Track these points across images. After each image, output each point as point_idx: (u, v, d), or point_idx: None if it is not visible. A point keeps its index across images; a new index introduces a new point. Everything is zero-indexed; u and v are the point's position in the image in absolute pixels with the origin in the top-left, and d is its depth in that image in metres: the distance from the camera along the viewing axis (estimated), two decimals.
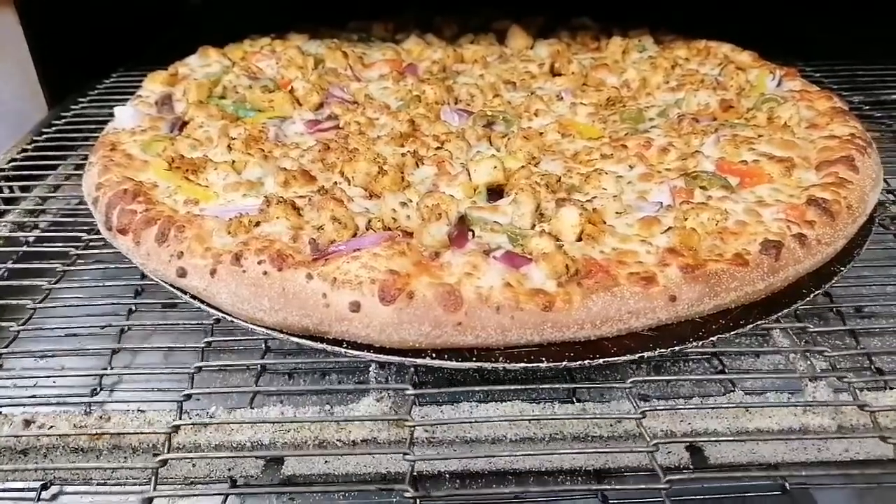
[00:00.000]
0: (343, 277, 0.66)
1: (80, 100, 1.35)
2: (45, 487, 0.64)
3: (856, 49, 1.54)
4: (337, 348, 0.67)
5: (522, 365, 0.65)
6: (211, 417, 0.68)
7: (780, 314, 0.72)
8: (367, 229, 0.75)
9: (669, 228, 0.74)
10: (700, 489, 0.64)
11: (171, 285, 0.74)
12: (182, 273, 0.71)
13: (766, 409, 0.69)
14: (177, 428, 0.65)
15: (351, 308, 0.65)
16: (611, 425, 0.67)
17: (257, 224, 0.75)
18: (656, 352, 0.67)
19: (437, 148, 0.94)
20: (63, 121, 1.27)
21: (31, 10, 1.28)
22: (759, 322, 0.71)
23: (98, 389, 0.74)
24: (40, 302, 0.79)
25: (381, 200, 0.79)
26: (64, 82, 1.39)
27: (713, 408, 0.69)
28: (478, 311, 0.64)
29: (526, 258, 0.69)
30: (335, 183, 0.83)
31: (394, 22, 1.44)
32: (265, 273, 0.68)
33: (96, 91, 1.40)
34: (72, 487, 0.65)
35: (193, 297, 0.73)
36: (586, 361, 0.66)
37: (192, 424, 0.67)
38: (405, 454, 0.59)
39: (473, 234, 0.73)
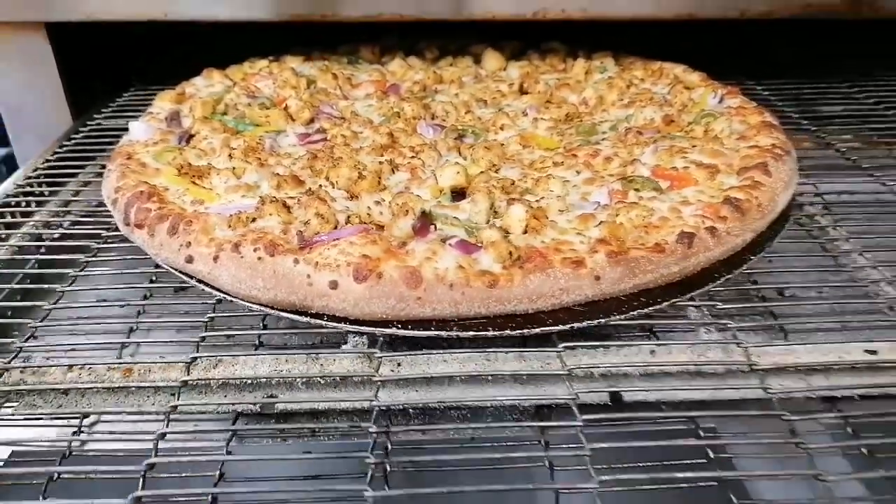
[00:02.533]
0: (324, 261, 0.80)
1: (99, 114, 1.51)
2: (85, 416, 0.77)
3: (801, 67, 1.69)
4: (319, 321, 0.80)
5: (472, 333, 0.78)
6: (219, 360, 0.81)
7: (693, 294, 0.86)
8: (347, 223, 0.88)
9: (602, 222, 0.88)
10: (620, 434, 0.76)
11: (180, 271, 0.87)
12: (189, 260, 0.85)
13: (670, 353, 0.82)
14: (195, 359, 0.80)
15: (330, 286, 0.78)
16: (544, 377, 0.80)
17: (253, 220, 0.89)
18: (584, 322, 0.80)
19: (412, 157, 1.08)
20: (83, 133, 1.42)
21: (59, 33, 1.44)
22: (674, 300, 0.84)
23: (121, 354, 0.87)
24: (68, 286, 0.92)
25: (359, 200, 0.93)
26: (87, 97, 1.55)
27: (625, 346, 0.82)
28: (434, 288, 0.77)
29: (477, 246, 0.82)
30: (320, 186, 0.97)
31: (380, 45, 1.59)
32: (259, 258, 0.82)
33: (113, 106, 1.55)
34: (107, 417, 0.78)
35: (199, 280, 0.86)
36: (525, 330, 0.79)
37: (207, 356, 0.81)
38: (371, 400, 0.73)
39: (436, 228, 0.87)
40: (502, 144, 1.12)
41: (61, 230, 1.11)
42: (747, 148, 1.07)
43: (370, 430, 0.69)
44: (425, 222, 0.85)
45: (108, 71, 1.66)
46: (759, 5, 1.46)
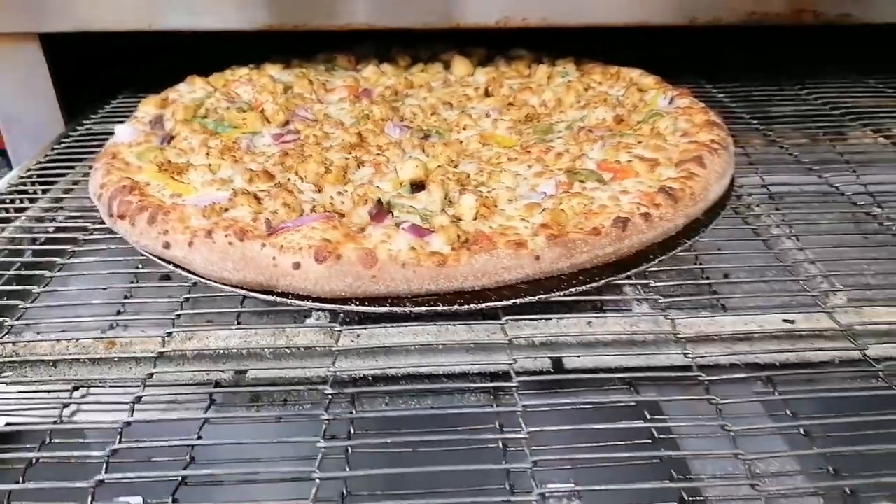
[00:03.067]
0: (288, 245, 0.88)
1: (89, 119, 1.60)
2: (76, 389, 0.85)
3: (754, 71, 1.78)
4: (284, 299, 0.88)
5: (424, 308, 0.86)
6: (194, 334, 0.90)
7: (629, 273, 0.94)
8: (312, 212, 0.96)
9: (545, 209, 0.96)
10: (553, 394, 0.85)
11: (159, 257, 0.95)
12: (167, 246, 0.93)
13: (605, 324, 0.90)
14: (170, 334, 0.88)
15: (293, 266, 0.86)
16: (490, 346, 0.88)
17: (226, 210, 0.97)
18: (526, 298, 0.88)
19: (378, 154, 1.16)
20: (73, 137, 1.51)
21: (52, 44, 1.53)
22: (611, 279, 0.92)
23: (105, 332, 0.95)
24: (56, 272, 1.00)
25: (324, 191, 1.01)
26: (78, 104, 1.64)
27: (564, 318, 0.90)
28: (388, 267, 0.85)
29: (429, 230, 0.90)
30: (289, 179, 1.05)
31: (356, 54, 1.68)
32: (230, 243, 0.89)
33: (102, 112, 1.64)
34: (95, 389, 0.85)
35: (176, 265, 0.94)
36: (472, 306, 0.87)
37: (183, 331, 0.89)
38: (329, 367, 0.81)
39: (393, 215, 0.95)
40: (461, 142, 1.21)
41: (54, 224, 1.19)
42: (687, 143, 1.16)
43: (326, 391, 0.77)
44: (381, 209, 0.93)
45: (98, 79, 1.74)
46: (707, 13, 1.57)
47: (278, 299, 0.88)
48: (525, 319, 0.90)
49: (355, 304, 0.87)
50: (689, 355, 0.83)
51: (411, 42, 1.75)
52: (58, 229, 1.15)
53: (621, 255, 0.94)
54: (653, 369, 0.85)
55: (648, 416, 0.83)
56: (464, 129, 1.29)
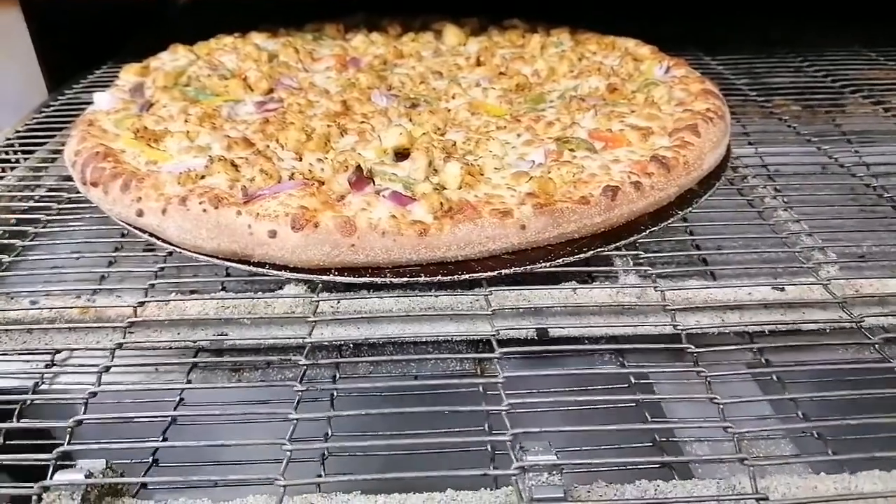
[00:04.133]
0: (264, 212, 0.85)
1: (71, 89, 1.56)
2: (58, 352, 0.83)
3: (755, 43, 1.74)
4: (260, 269, 0.85)
5: (405, 279, 0.84)
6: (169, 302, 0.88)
7: (619, 244, 0.91)
8: (290, 179, 0.93)
9: (532, 178, 0.93)
10: (535, 364, 0.82)
11: (132, 225, 0.92)
12: (140, 213, 0.90)
13: (591, 293, 0.88)
14: (142, 303, 0.86)
15: (269, 235, 0.83)
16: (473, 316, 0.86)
17: (202, 177, 0.93)
18: (511, 269, 0.85)
19: (362, 122, 1.13)
20: (55, 105, 1.47)
21: (34, 8, 1.48)
22: (599, 249, 0.89)
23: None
24: (28, 241, 0.98)
25: (304, 159, 0.98)
26: (62, 73, 1.60)
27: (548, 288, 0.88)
28: (368, 236, 0.82)
29: (411, 198, 0.87)
30: (268, 146, 1.02)
31: (344, 23, 1.63)
32: (204, 210, 0.86)
33: (86, 81, 1.60)
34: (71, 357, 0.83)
35: (150, 234, 0.91)
36: (455, 277, 0.84)
37: (156, 300, 0.87)
38: (304, 338, 0.78)
39: (374, 183, 0.92)
40: (449, 111, 1.17)
41: (30, 193, 1.15)
42: (682, 112, 1.12)
43: (300, 362, 0.74)
44: (362, 176, 0.90)
45: (83, 48, 1.70)
46: None
47: (254, 269, 0.86)
48: (509, 289, 0.87)
49: (334, 274, 0.84)
50: (679, 326, 0.81)
51: (402, 11, 1.71)
52: (33, 199, 1.12)
53: (611, 224, 0.91)
54: (640, 339, 0.83)
55: (634, 383, 0.80)
56: (453, 97, 1.25)
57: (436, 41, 1.57)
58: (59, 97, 1.52)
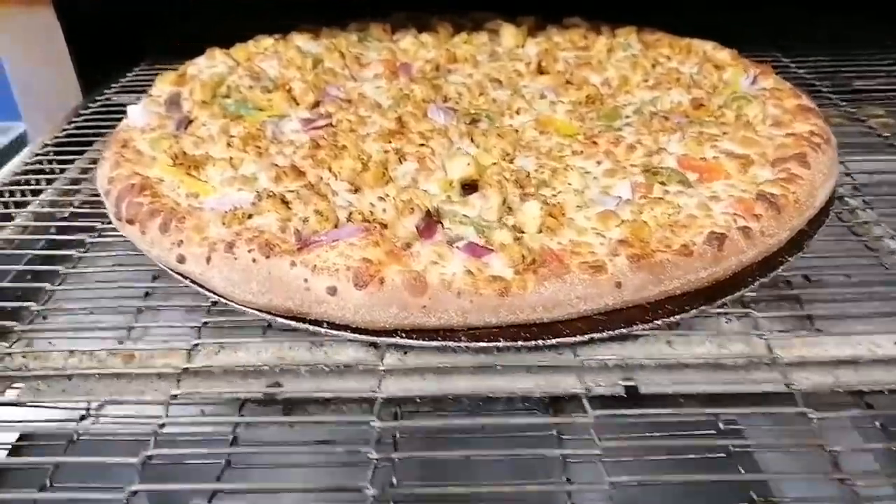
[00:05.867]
0: (322, 265, 0.74)
1: (109, 89, 1.47)
2: (83, 418, 0.75)
3: (836, 41, 1.58)
4: (318, 328, 0.75)
5: (482, 344, 0.73)
6: (221, 347, 0.79)
7: (724, 300, 0.79)
8: (348, 221, 0.83)
9: (623, 221, 0.81)
10: (634, 428, 0.72)
11: (173, 270, 0.82)
12: (181, 259, 0.80)
13: (689, 346, 0.78)
14: (196, 345, 0.78)
15: (328, 291, 0.73)
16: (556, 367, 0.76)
17: (250, 216, 0.83)
18: (605, 333, 0.74)
19: (421, 145, 1.01)
20: (92, 109, 1.39)
21: (68, 8, 1.40)
22: (703, 307, 0.78)
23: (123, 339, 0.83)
24: (71, 267, 0.92)
25: (362, 194, 0.87)
26: (96, 73, 1.52)
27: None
28: (441, 296, 0.72)
29: (487, 249, 0.76)
30: (322, 179, 0.91)
31: (391, 22, 1.51)
32: (254, 260, 0.76)
33: (122, 82, 1.51)
34: (111, 407, 0.76)
35: (192, 281, 0.81)
36: (539, 341, 0.73)
37: (210, 343, 0.79)
38: (375, 391, 0.71)
39: (443, 226, 0.81)
40: (517, 131, 1.05)
41: (67, 210, 1.07)
42: (783, 136, 0.99)
43: (372, 422, 0.65)
44: (431, 222, 0.79)
45: (117, 47, 1.61)
46: None
47: (311, 327, 0.75)
48: (595, 338, 0.76)
49: (400, 337, 0.73)
50: (794, 385, 0.70)
51: (449, 9, 1.58)
52: (71, 218, 1.04)
53: (716, 279, 0.79)
54: (744, 396, 0.72)
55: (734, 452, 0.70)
56: (517, 112, 1.13)
57: (491, 43, 1.44)
58: (96, 99, 1.43)
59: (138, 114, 1.11)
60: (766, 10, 1.61)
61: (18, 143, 1.95)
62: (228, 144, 0.98)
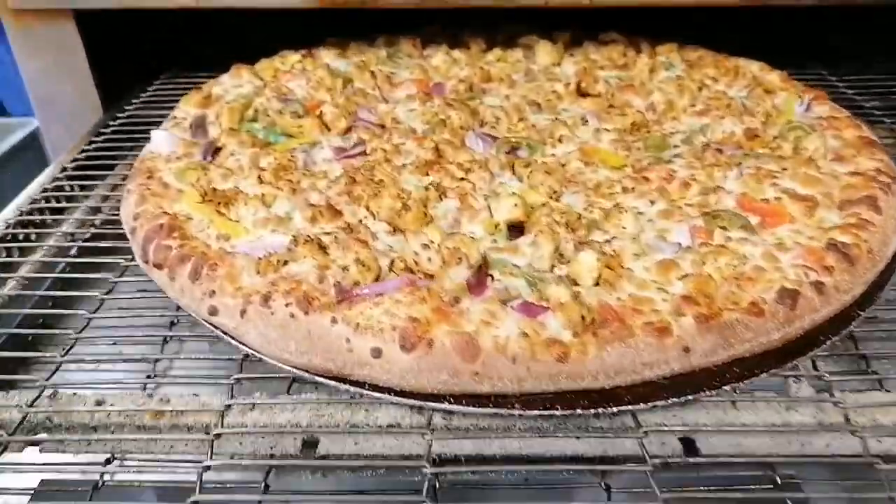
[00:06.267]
0: (366, 323, 0.69)
1: (130, 105, 1.43)
2: (108, 461, 0.72)
3: (883, 56, 1.51)
4: (359, 389, 0.70)
5: (537, 412, 0.67)
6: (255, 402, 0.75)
7: (795, 362, 0.73)
8: (390, 270, 0.77)
9: (686, 275, 0.76)
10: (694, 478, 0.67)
11: (205, 321, 0.78)
12: (213, 311, 0.75)
13: (755, 410, 0.72)
14: (229, 406, 0.73)
15: (373, 354, 0.68)
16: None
17: (285, 263, 0.78)
18: (669, 401, 0.69)
19: (461, 179, 0.96)
20: (113, 127, 1.34)
21: (88, 20, 1.36)
22: (773, 370, 0.72)
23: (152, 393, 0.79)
24: (94, 311, 0.87)
25: (404, 240, 0.82)
26: (117, 85, 1.47)
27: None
28: (494, 362, 0.66)
29: (542, 307, 0.71)
30: (360, 220, 0.86)
31: (421, 37, 1.45)
32: (292, 315, 0.71)
33: (144, 97, 1.46)
34: (134, 461, 0.72)
35: (224, 332, 0.76)
36: (600, 409, 0.68)
37: (241, 405, 0.73)
38: (423, 434, 0.68)
39: (492, 279, 0.75)
40: (563, 165, 0.99)
41: (90, 243, 1.02)
42: (848, 174, 0.93)
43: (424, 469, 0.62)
44: (481, 277, 0.74)
45: (138, 58, 1.56)
46: None
47: (352, 388, 0.70)
48: (658, 405, 0.70)
49: (449, 403, 0.68)
50: (874, 452, 0.64)
51: (480, 23, 1.52)
52: (94, 252, 0.99)
53: (787, 339, 0.73)
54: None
55: None
56: (559, 141, 1.08)
57: (526, 60, 1.38)
58: (118, 115, 1.39)
59: (163, 140, 1.06)
60: (809, 25, 1.54)
61: (31, 140, 1.92)
62: (260, 179, 0.93)
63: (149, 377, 0.83)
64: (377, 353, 0.68)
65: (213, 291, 0.76)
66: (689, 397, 0.69)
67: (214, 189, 0.90)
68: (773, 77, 1.26)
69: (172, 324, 0.89)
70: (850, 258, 0.78)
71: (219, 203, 0.89)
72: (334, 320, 0.70)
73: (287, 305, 0.72)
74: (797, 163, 0.97)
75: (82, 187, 1.18)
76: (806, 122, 1.08)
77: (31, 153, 1.89)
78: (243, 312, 0.73)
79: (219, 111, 1.13)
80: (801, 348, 0.74)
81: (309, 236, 0.80)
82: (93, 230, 1.06)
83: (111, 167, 1.22)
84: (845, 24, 1.56)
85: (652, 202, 0.90)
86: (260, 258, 0.78)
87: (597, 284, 0.75)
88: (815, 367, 0.76)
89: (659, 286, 0.75)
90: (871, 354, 0.81)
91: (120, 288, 0.91)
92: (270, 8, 1.32)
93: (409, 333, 0.67)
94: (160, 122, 1.18)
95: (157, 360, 0.84)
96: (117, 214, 0.97)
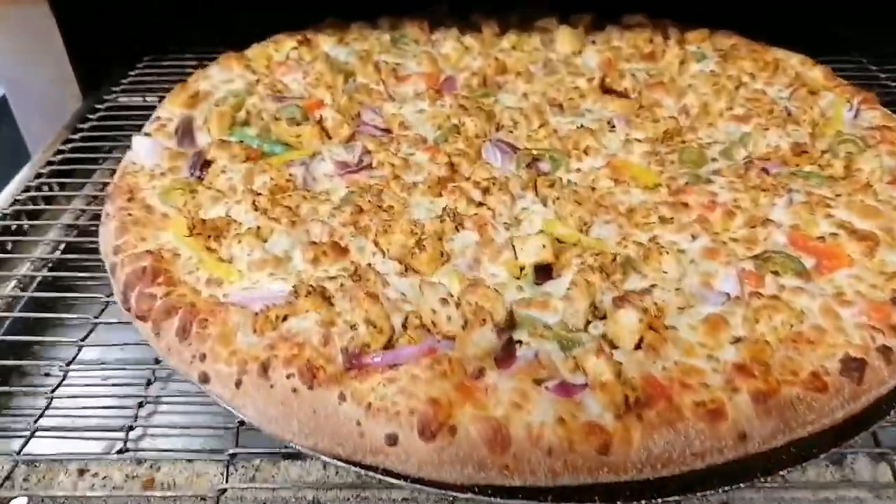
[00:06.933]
0: (379, 403, 0.61)
1: (110, 94, 1.32)
2: None
3: None
4: (371, 473, 0.62)
5: None
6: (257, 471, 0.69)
7: (857, 438, 0.66)
8: (404, 329, 0.68)
9: (738, 340, 0.67)
10: None
11: (196, 385, 0.69)
12: (205, 379, 0.66)
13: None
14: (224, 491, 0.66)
15: (387, 441, 0.60)
16: None
17: (285, 318, 0.69)
18: (719, 490, 0.61)
19: (479, 204, 0.86)
20: (97, 116, 1.24)
21: (63, 2, 1.24)
22: (833, 450, 0.64)
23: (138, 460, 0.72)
24: (67, 364, 0.79)
25: (418, 286, 0.73)
26: (97, 69, 1.36)
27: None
28: (527, 454, 0.58)
29: (580, 386, 0.62)
30: (368, 262, 0.76)
31: (428, 19, 1.32)
32: (294, 390, 0.63)
33: (125, 83, 1.35)
34: None
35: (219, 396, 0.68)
36: (643, 502, 0.60)
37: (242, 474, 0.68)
38: None
39: (521, 344, 0.67)
40: (592, 186, 0.89)
41: (65, 272, 0.93)
42: None
43: None
44: (509, 349, 0.65)
45: (119, 40, 1.43)
46: None
47: (363, 472, 0.62)
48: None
49: (474, 493, 0.60)
50: None
51: (494, 2, 1.38)
52: (70, 288, 0.91)
53: (850, 414, 0.65)
54: None
55: None
56: (585, 153, 0.97)
57: (544, 48, 1.26)
58: (101, 102, 1.28)
59: (145, 148, 0.96)
60: (850, 12, 1.41)
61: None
62: (255, 204, 0.83)
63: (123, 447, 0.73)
64: (392, 440, 0.59)
65: (204, 355, 0.67)
66: (741, 485, 0.61)
67: (203, 221, 0.80)
68: (817, 74, 1.15)
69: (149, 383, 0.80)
70: None
71: (209, 237, 0.79)
72: (342, 397, 0.62)
73: (289, 377, 0.63)
74: (851, 187, 0.87)
75: (57, 199, 1.08)
76: (857, 134, 0.98)
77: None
78: (239, 383, 0.64)
79: (207, 114, 1.02)
80: (861, 421, 0.66)
81: (311, 286, 0.71)
82: (68, 256, 0.96)
83: (90, 173, 1.11)
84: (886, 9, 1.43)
85: (693, 237, 0.81)
86: (256, 314, 0.69)
87: (638, 347, 0.67)
88: (876, 442, 0.68)
89: (708, 352, 0.66)
90: None
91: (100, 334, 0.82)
92: None
93: (429, 419, 0.59)
94: (143, 115, 1.08)
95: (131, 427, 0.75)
96: (95, 239, 0.87)
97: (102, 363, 0.81)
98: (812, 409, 0.62)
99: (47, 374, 0.82)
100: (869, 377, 0.65)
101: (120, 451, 0.71)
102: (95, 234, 0.87)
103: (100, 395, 0.77)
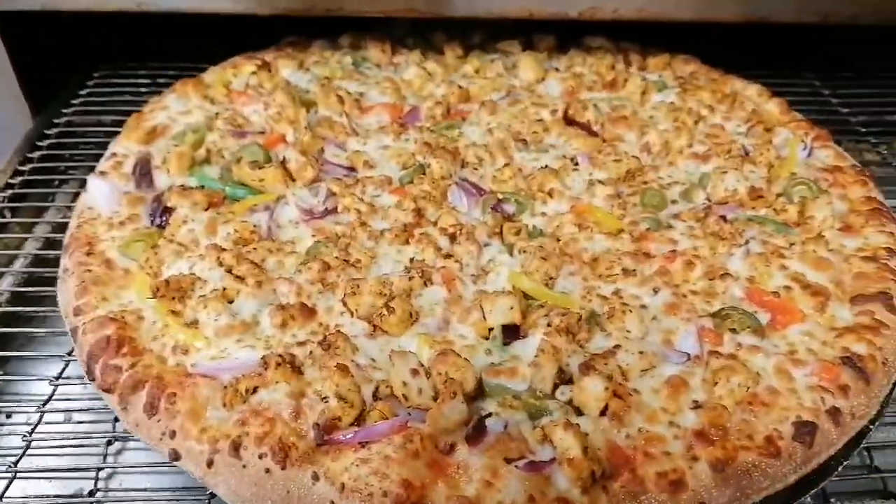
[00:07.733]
0: (352, 484, 0.62)
1: (63, 112, 1.27)
2: None
3: (876, 71, 1.44)
4: None
5: None
6: None
7: (807, 496, 0.69)
8: (375, 399, 0.69)
9: (697, 405, 0.70)
10: None
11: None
12: (176, 456, 0.66)
13: None
14: None
15: None
16: None
17: (255, 390, 0.69)
18: None
19: (446, 256, 0.87)
20: (49, 140, 1.20)
21: (7, 20, 1.18)
22: None
23: None
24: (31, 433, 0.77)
25: (387, 349, 0.73)
26: (46, 87, 1.30)
27: None
28: None
29: (548, 463, 0.64)
30: (337, 327, 0.76)
31: (390, 40, 1.31)
32: (267, 470, 0.63)
33: (76, 104, 1.30)
34: None
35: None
36: None
37: None
38: None
39: (490, 415, 0.68)
40: (558, 239, 0.91)
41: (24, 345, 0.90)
42: (858, 256, 0.87)
43: None
44: (480, 429, 0.66)
45: (69, 55, 1.37)
46: (846, 8, 1.22)
47: None
48: None
49: None
50: None
51: (453, 22, 1.37)
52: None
53: (802, 476, 0.69)
54: None
55: None
56: (549, 195, 0.98)
57: (507, 73, 1.26)
58: (53, 124, 1.23)
59: (102, 193, 0.93)
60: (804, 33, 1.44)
61: None
62: (219, 261, 0.82)
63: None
64: None
65: (174, 432, 0.66)
66: None
67: (167, 282, 0.79)
68: (772, 106, 1.19)
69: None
70: (865, 375, 0.73)
71: (173, 298, 0.78)
72: (316, 476, 0.62)
73: (261, 458, 0.63)
74: (805, 235, 0.91)
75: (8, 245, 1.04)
76: (810, 176, 1.01)
77: None
78: (210, 463, 0.64)
79: (166, 154, 0.99)
80: (812, 479, 0.70)
81: (280, 356, 0.71)
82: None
83: (43, 210, 1.07)
84: (842, 35, 1.47)
85: (655, 290, 0.83)
86: (225, 388, 0.69)
87: (603, 413, 0.69)
88: (825, 499, 0.72)
89: (670, 418, 0.69)
90: (885, 466, 0.77)
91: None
92: (220, 13, 1.15)
93: (402, 501, 0.60)
94: (98, 139, 1.05)
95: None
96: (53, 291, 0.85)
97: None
98: (766, 476, 0.66)
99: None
100: (819, 441, 0.68)
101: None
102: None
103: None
